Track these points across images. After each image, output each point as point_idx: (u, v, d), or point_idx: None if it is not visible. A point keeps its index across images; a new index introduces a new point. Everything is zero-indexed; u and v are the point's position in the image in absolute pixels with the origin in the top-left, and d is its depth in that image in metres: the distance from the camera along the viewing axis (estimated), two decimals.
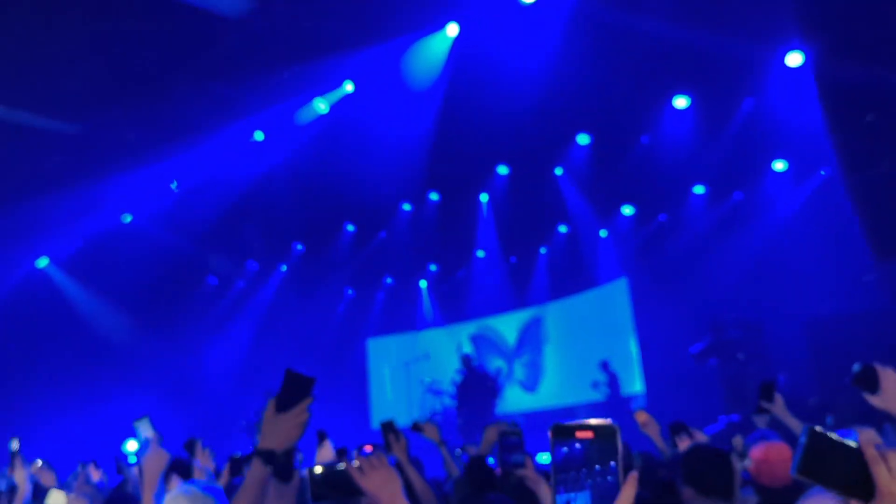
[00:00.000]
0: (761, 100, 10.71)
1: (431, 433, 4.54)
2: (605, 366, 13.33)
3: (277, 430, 2.05)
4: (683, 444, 4.33)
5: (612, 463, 0.97)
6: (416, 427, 4.49)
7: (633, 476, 0.96)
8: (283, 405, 2.06)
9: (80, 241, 13.38)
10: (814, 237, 10.44)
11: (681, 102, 11.12)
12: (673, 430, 4.48)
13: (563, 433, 0.98)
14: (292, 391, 2.07)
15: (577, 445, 0.97)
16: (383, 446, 3.94)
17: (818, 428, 1.41)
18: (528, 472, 2.73)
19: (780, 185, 11.69)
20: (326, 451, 4.26)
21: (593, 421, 0.99)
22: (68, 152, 11.07)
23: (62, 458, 6.95)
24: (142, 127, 11.09)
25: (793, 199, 11.38)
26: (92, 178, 11.50)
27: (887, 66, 5.80)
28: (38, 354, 12.93)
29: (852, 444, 1.39)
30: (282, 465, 2.34)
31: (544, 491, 2.84)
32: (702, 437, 4.45)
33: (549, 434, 0.99)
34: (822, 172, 10.90)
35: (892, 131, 5.75)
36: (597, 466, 0.97)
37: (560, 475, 0.96)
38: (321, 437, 4.40)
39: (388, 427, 3.47)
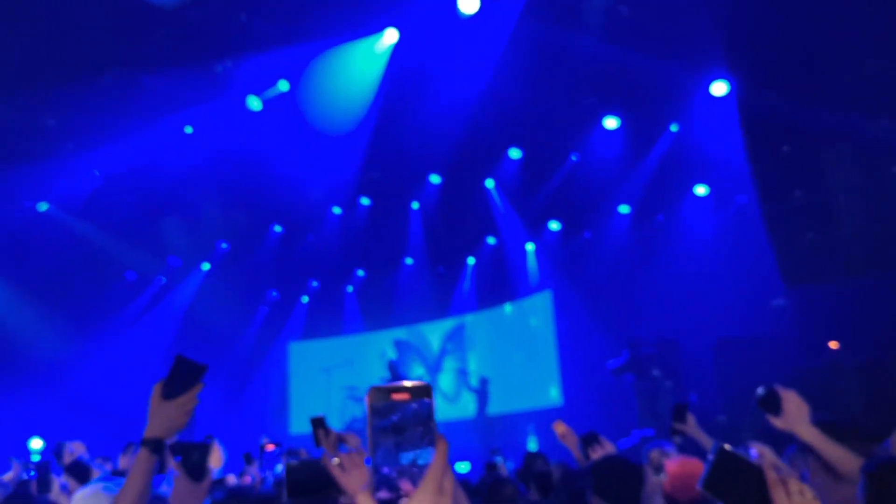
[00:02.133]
0: (687, 125, 11.12)
1: (353, 444, 4.49)
2: (525, 377, 13.52)
3: (163, 417, 1.98)
4: (595, 454, 4.43)
5: (429, 423, 0.97)
6: (340, 438, 4.42)
7: (443, 439, 0.96)
8: (171, 392, 1.99)
9: None
10: (729, 261, 10.87)
11: (611, 123, 11.43)
12: (585, 441, 4.59)
13: (380, 396, 0.97)
14: (182, 377, 2.02)
15: (395, 409, 0.97)
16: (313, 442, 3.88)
17: (727, 446, 1.50)
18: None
19: (700, 209, 12.12)
20: (216, 456, 4.18)
21: (408, 383, 0.99)
22: None
23: None
24: (63, 113, 10.65)
25: (711, 223, 11.82)
26: (6, 163, 10.97)
27: (804, 100, 6.11)
28: None
29: (757, 465, 1.46)
30: (195, 462, 2.29)
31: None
32: (612, 448, 4.57)
33: (366, 398, 0.98)
34: (741, 199, 11.36)
35: (807, 162, 6.06)
36: (414, 427, 0.97)
37: (377, 437, 0.96)
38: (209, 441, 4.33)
39: (319, 423, 3.43)
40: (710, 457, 1.48)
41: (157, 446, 1.98)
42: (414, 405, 0.97)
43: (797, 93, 6.39)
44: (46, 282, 12.99)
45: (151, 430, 1.98)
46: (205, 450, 2.34)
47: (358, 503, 0.98)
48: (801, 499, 1.42)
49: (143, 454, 1.97)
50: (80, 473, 3.66)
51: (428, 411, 0.98)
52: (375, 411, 0.97)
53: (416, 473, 0.96)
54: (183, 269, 15.34)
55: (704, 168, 11.30)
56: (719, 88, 10.21)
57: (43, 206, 12.74)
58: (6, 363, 12.62)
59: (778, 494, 1.41)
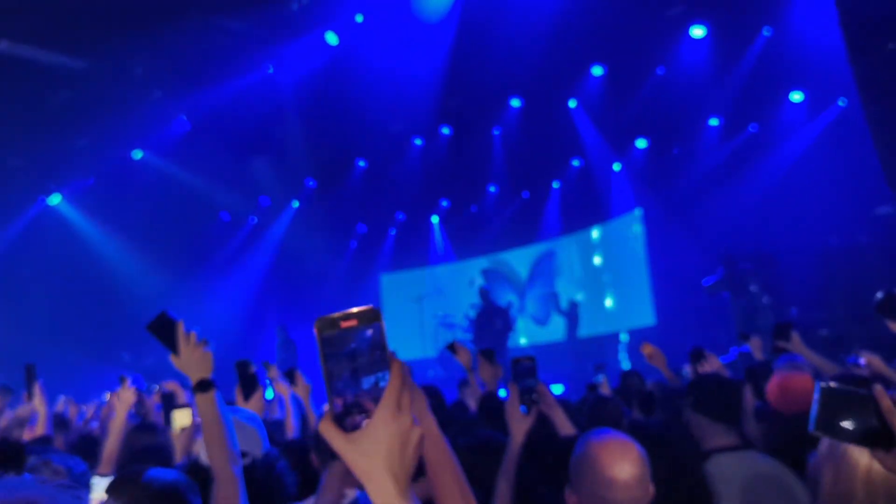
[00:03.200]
0: (779, 29, 10.48)
1: (464, 357, 4.63)
2: (617, 299, 13.44)
3: (189, 364, 2.21)
4: (704, 370, 4.44)
5: (379, 347, 0.97)
6: (451, 347, 4.56)
7: (397, 360, 0.97)
8: (172, 346, 2.22)
9: (91, 178, 13.39)
10: (829, 169, 10.35)
11: (697, 32, 10.88)
12: (692, 357, 4.58)
13: (328, 326, 0.96)
14: (165, 334, 2.24)
15: (345, 336, 0.96)
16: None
17: (832, 384, 1.42)
18: (542, 397, 2.78)
19: (796, 116, 11.52)
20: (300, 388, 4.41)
21: (355, 309, 0.97)
22: (75, 88, 10.98)
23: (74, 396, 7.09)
24: (149, 61, 10.97)
25: (809, 130, 11.24)
26: (100, 113, 11.42)
27: None
28: (49, 292, 13.05)
29: (866, 394, 1.39)
30: (246, 377, 2.60)
31: (558, 415, 2.91)
32: (718, 363, 4.54)
33: (315, 330, 0.96)
34: (841, 103, 10.72)
35: None
36: (368, 352, 0.96)
37: (332, 367, 0.95)
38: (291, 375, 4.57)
39: (454, 347, 3.61)
40: (815, 397, 1.40)
41: (203, 386, 2.19)
42: (365, 330, 0.96)
43: None
44: (145, 227, 13.60)
45: (192, 378, 2.22)
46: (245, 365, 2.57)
47: (320, 429, 0.99)
48: None
49: (198, 398, 2.18)
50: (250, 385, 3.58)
51: (379, 334, 0.97)
52: (326, 341, 0.96)
53: (374, 398, 0.97)
54: (273, 207, 15.81)
55: (800, 73, 10.69)
56: None
57: (137, 154, 13.29)
58: (113, 308, 13.44)
59: (895, 419, 1.33)
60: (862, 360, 3.72)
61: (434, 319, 15.33)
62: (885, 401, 1.35)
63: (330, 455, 2.35)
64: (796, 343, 4.18)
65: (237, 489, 2.04)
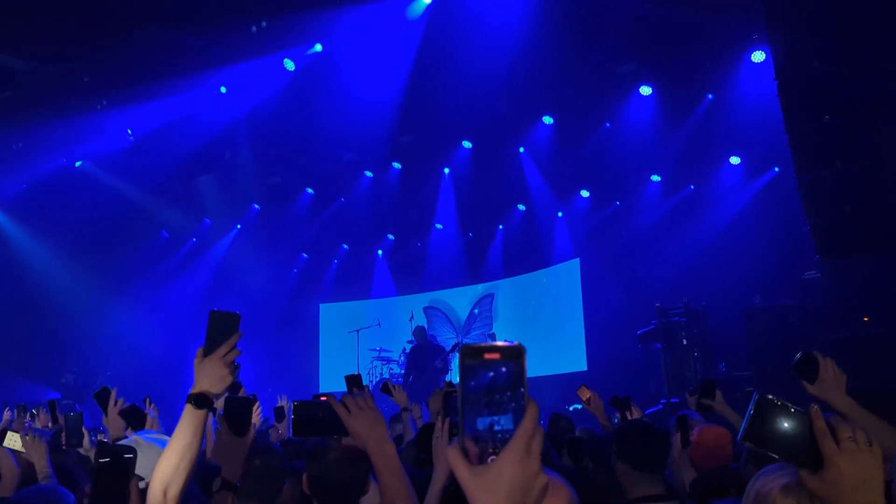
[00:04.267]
0: (722, 94, 10.97)
1: (400, 397, 4.58)
2: (551, 344, 13.57)
3: (206, 373, 2.01)
4: (632, 416, 4.51)
5: (519, 387, 0.96)
6: (385, 388, 4.50)
7: (534, 403, 0.96)
8: (210, 346, 2.03)
9: (25, 184, 12.97)
10: (760, 232, 10.80)
11: (645, 91, 11.31)
12: (619, 404, 4.65)
13: (472, 355, 0.96)
14: (218, 330, 2.04)
15: (485, 369, 0.95)
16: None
17: (769, 395, 1.40)
18: None
19: (733, 178, 12.00)
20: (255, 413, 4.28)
21: (501, 343, 0.97)
22: (17, 88, 10.67)
23: None
24: (98, 69, 10.75)
25: (744, 193, 11.71)
26: (40, 118, 11.11)
27: (848, 67, 5.97)
28: None
29: (801, 410, 1.38)
30: (238, 416, 2.34)
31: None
32: (639, 414, 4.64)
33: (459, 356, 0.97)
34: (776, 169, 11.22)
35: (847, 132, 5.94)
36: (504, 390, 0.95)
37: (467, 397, 0.95)
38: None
39: (354, 381, 3.49)
40: (750, 406, 1.38)
41: (200, 401, 1.99)
42: (506, 366, 0.96)
43: (841, 59, 6.24)
44: (80, 238, 13.23)
45: (196, 386, 2.01)
46: (248, 404, 2.40)
47: (448, 454, 0.99)
48: (853, 445, 1.33)
49: (188, 410, 1.99)
50: (135, 418, 3.74)
51: (519, 372, 0.96)
52: (467, 369, 0.96)
53: (502, 434, 0.96)
54: (215, 229, 15.56)
55: (739, 137, 11.16)
56: (757, 56, 10.09)
57: (77, 163, 12.95)
58: (42, 318, 12.95)
59: (826, 442, 1.34)
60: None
61: (371, 353, 15.20)
62: (819, 421, 1.36)
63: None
64: (719, 401, 4.31)
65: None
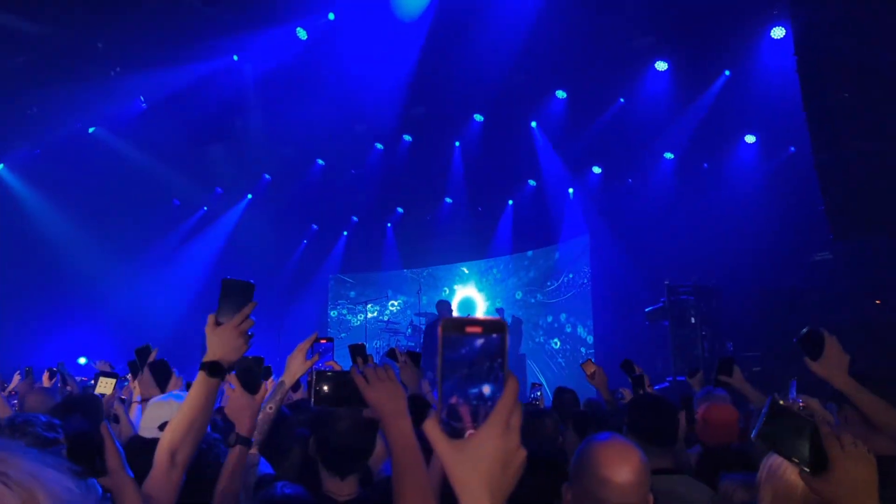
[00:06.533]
0: (739, 71, 10.82)
1: (407, 373, 4.54)
2: (559, 319, 13.59)
3: (219, 341, 2.04)
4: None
5: (498, 360, 0.95)
6: (391, 353, 4.47)
7: (514, 377, 0.96)
8: (224, 315, 2.05)
9: (39, 149, 12.99)
10: (772, 212, 10.70)
11: (660, 65, 11.17)
12: (625, 367, 4.68)
13: (454, 327, 0.95)
14: (232, 299, 2.06)
15: (467, 342, 0.95)
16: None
17: (780, 400, 1.56)
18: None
19: (747, 157, 11.88)
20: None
21: (482, 317, 0.96)
22: (31, 53, 10.64)
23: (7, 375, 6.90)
24: (111, 35, 10.71)
25: (758, 172, 11.59)
26: (54, 83, 11.09)
27: (870, 43, 5.87)
28: None
29: (809, 419, 1.52)
30: (250, 375, 2.37)
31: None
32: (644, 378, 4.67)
33: (439, 329, 0.96)
34: (792, 149, 11.10)
35: (867, 111, 5.84)
36: (484, 363, 0.94)
37: (446, 370, 0.94)
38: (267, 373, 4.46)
39: (359, 350, 3.47)
40: (764, 409, 1.53)
41: (213, 369, 2.02)
42: (486, 339, 0.95)
43: (862, 36, 6.13)
44: (91, 204, 13.27)
45: (209, 354, 2.04)
46: (259, 362, 2.43)
47: (425, 427, 0.98)
48: (856, 450, 1.46)
49: (200, 377, 2.02)
50: (163, 375, 3.75)
51: (500, 347, 0.95)
52: (447, 343, 0.95)
53: (480, 408, 0.95)
54: (226, 198, 15.58)
55: (755, 115, 11.02)
56: (778, 32, 9.93)
57: (91, 129, 12.96)
58: (53, 284, 13.04)
59: (832, 445, 1.46)
60: (800, 400, 3.86)
61: (378, 324, 15.28)
62: (825, 427, 1.49)
63: None
64: (738, 378, 4.28)
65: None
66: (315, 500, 2.36)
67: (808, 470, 1.48)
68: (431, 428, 0.95)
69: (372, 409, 2.00)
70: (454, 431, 0.95)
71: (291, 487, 2.31)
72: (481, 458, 0.94)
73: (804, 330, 2.62)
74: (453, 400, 0.95)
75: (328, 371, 2.35)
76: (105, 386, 3.93)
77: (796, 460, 1.50)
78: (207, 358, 2.04)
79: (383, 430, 1.98)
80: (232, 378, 2.33)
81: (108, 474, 1.88)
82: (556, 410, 5.23)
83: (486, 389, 0.95)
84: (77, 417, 2.49)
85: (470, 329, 0.95)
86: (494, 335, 0.95)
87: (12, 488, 0.87)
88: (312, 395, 2.29)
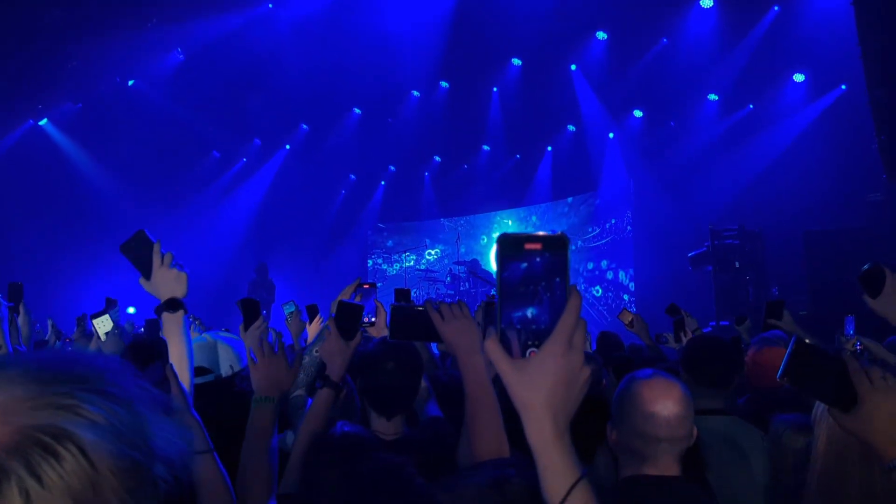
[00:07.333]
0: (788, 5, 10.39)
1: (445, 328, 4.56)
2: (600, 266, 13.50)
3: (162, 283, 2.13)
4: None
5: (559, 278, 0.91)
6: (427, 304, 4.48)
7: (577, 294, 0.91)
8: (144, 270, 2.15)
9: (81, 102, 13.14)
10: (822, 153, 10.37)
11: (707, 2, 10.78)
12: (671, 312, 4.63)
13: (512, 245, 0.91)
14: (139, 254, 2.16)
15: (525, 259, 0.90)
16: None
17: (807, 339, 1.52)
18: None
19: (796, 97, 11.49)
20: (315, 326, 4.33)
21: (543, 233, 0.92)
22: (67, 7, 10.67)
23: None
24: None
25: (807, 112, 11.23)
26: (91, 36, 11.13)
27: None
28: (32, 214, 12.85)
29: (836, 356, 1.50)
30: (349, 322, 2.41)
31: None
32: (693, 322, 4.62)
33: (496, 245, 0.91)
34: (843, 87, 10.69)
35: None
36: (544, 281, 0.90)
37: (505, 289, 0.91)
38: (313, 312, 4.47)
39: (403, 294, 3.48)
40: (789, 348, 1.50)
41: (171, 306, 2.11)
42: (548, 257, 0.90)
43: None
44: (132, 157, 13.43)
45: (162, 298, 2.12)
46: (359, 310, 2.45)
47: (486, 347, 0.94)
48: (885, 383, 1.43)
49: (167, 318, 2.11)
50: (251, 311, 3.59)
51: (562, 263, 0.91)
52: (505, 260, 0.91)
53: (540, 328, 0.92)
54: (264, 149, 15.64)
55: (804, 53, 10.62)
56: None
57: (131, 82, 13.04)
58: (98, 236, 13.31)
59: (861, 380, 1.44)
60: (858, 345, 3.76)
61: (415, 273, 15.36)
62: (854, 363, 1.47)
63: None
64: (787, 321, 4.19)
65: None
66: (370, 439, 2.40)
67: (836, 407, 1.46)
68: (493, 348, 0.92)
69: (446, 344, 2.02)
70: (516, 352, 0.92)
71: (350, 426, 2.35)
72: (544, 378, 0.91)
73: (866, 266, 2.54)
74: (514, 320, 0.92)
75: (403, 305, 2.39)
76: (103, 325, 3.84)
77: (824, 398, 1.50)
78: (162, 300, 2.12)
79: (459, 366, 2.00)
80: (330, 322, 2.37)
81: (175, 414, 1.93)
82: (599, 354, 5.22)
83: (547, 308, 0.92)
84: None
85: (529, 246, 0.91)
86: (556, 251, 0.91)
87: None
88: (389, 329, 2.33)
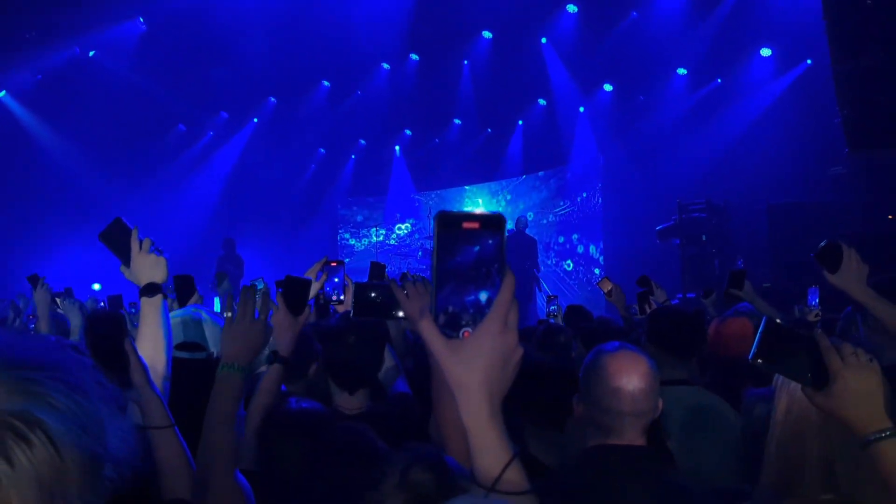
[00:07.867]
0: None
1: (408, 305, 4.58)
2: (571, 240, 13.58)
3: (141, 268, 2.18)
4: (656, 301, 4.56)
5: (496, 257, 0.90)
6: (403, 277, 4.50)
7: (511, 273, 0.91)
8: (123, 258, 2.19)
9: (41, 74, 12.79)
10: (788, 128, 10.52)
11: None
12: (641, 283, 4.68)
13: (450, 223, 0.90)
14: (116, 240, 2.19)
15: (463, 238, 0.90)
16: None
17: (777, 319, 1.53)
18: None
19: (762, 72, 11.61)
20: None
21: (480, 211, 0.91)
22: None
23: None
24: None
25: (773, 87, 11.35)
26: (49, 6, 10.82)
27: None
28: None
29: (806, 334, 1.50)
30: (296, 297, 2.40)
31: None
32: (662, 294, 4.68)
33: (434, 223, 0.90)
34: (808, 62, 10.81)
35: (889, 20, 5.62)
36: (481, 261, 0.90)
37: (440, 268, 0.89)
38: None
39: (378, 268, 3.46)
40: (760, 329, 1.49)
41: (151, 290, 2.15)
42: (484, 236, 0.90)
43: None
44: (96, 130, 13.12)
45: (140, 283, 2.17)
46: (306, 285, 2.43)
47: (420, 328, 0.94)
48: (856, 359, 1.44)
49: (146, 303, 2.14)
50: (188, 290, 3.69)
51: (499, 243, 0.90)
52: (441, 239, 0.90)
53: (475, 308, 0.91)
54: (231, 122, 15.40)
55: (771, 27, 10.72)
56: None
57: (92, 53, 12.71)
58: (60, 210, 13.05)
59: (832, 359, 1.44)
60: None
61: (385, 248, 15.34)
62: (824, 341, 1.47)
63: None
64: (748, 291, 4.26)
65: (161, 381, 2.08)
66: (328, 413, 2.40)
67: (809, 386, 1.47)
68: (427, 328, 0.91)
69: (409, 320, 2.02)
70: (450, 333, 0.91)
71: (306, 402, 2.35)
72: (480, 357, 0.91)
73: (822, 243, 2.58)
74: (449, 302, 0.91)
75: (366, 282, 2.39)
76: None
77: (797, 377, 1.49)
78: (141, 285, 2.16)
79: (424, 344, 2.01)
80: (278, 297, 2.36)
81: (134, 388, 1.92)
82: (569, 326, 5.27)
83: (483, 288, 0.91)
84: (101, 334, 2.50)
85: (467, 225, 0.90)
86: (493, 230, 0.90)
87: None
88: (352, 307, 2.33)
